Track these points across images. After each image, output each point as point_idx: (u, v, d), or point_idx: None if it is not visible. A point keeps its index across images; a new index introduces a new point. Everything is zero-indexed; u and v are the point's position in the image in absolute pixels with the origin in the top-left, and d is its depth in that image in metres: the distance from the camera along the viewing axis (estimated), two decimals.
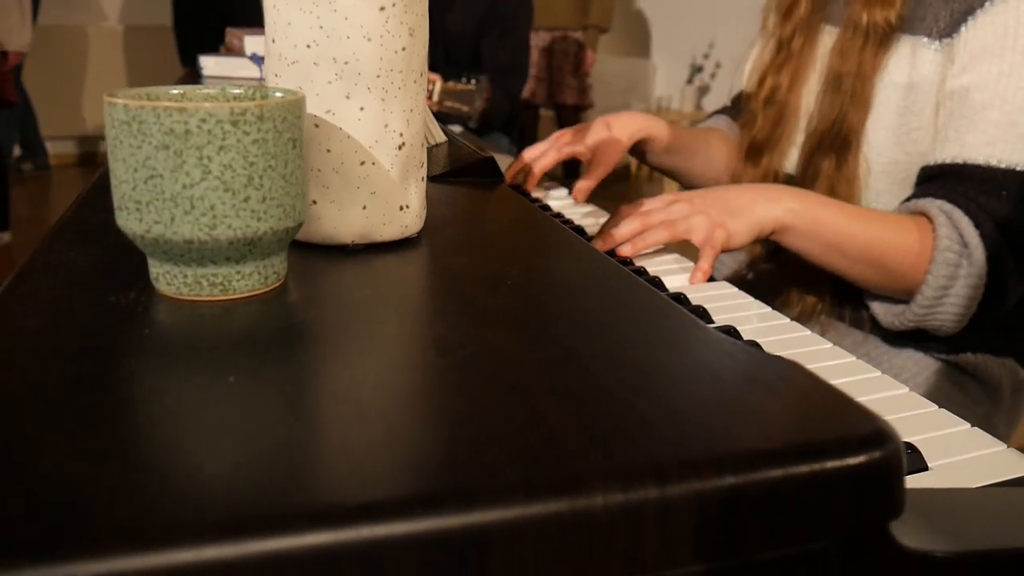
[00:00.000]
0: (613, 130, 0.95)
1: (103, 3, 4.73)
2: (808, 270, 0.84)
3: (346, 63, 0.40)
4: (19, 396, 0.27)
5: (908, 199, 0.83)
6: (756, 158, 0.97)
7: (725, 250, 0.73)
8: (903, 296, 0.81)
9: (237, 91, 0.38)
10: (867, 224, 0.78)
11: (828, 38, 0.93)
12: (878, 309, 0.83)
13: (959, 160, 0.79)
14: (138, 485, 0.22)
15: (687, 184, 1.06)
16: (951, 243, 0.76)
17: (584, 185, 0.88)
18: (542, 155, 0.95)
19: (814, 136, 0.90)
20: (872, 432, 0.26)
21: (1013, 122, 0.78)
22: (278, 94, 0.37)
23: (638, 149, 1.00)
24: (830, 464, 0.25)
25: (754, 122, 0.97)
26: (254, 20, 3.86)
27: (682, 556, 0.23)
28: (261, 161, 0.33)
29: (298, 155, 0.35)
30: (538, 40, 3.80)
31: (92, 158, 4.91)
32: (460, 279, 0.39)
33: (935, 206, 0.77)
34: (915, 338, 0.85)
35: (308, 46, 0.40)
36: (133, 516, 0.20)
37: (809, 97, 0.94)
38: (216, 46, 4.37)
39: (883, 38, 0.84)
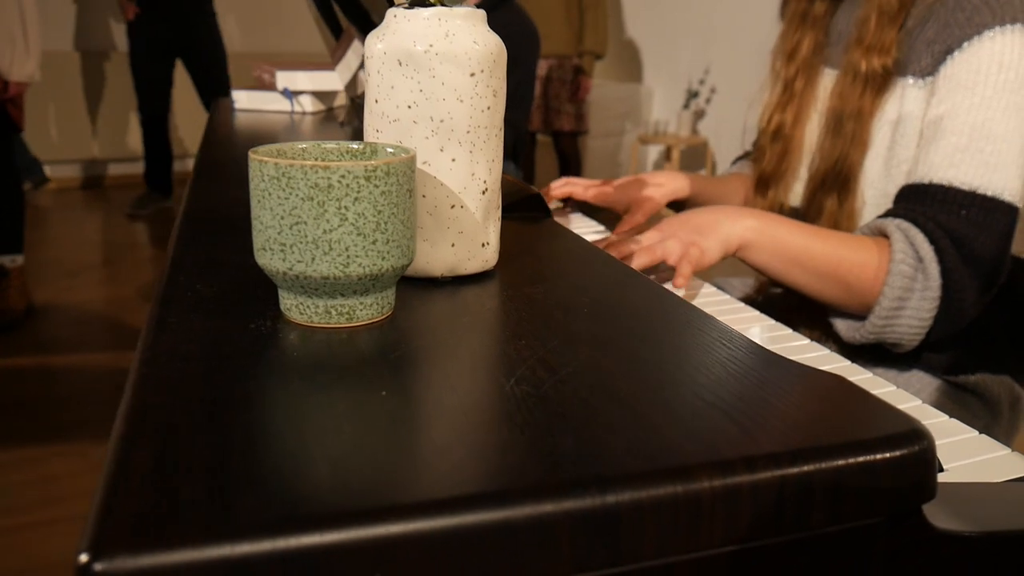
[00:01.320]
0: (650, 189, 1.04)
1: (105, 31, 4.81)
2: (806, 300, 0.90)
3: (441, 121, 0.46)
4: (195, 409, 0.33)
5: (882, 216, 0.89)
6: (764, 190, 1.04)
7: (699, 266, 0.80)
8: (863, 311, 0.87)
9: (355, 146, 0.45)
10: (826, 241, 0.85)
11: (828, 79, 1.00)
12: (840, 325, 0.90)
13: (924, 180, 0.86)
14: (289, 481, 0.28)
15: None
16: (905, 257, 0.82)
17: (623, 234, 0.99)
18: (585, 188, 1.05)
19: (818, 175, 0.97)
20: (910, 431, 0.32)
21: (979, 148, 0.84)
22: (390, 150, 0.44)
23: (673, 204, 1.09)
24: (878, 456, 0.31)
25: (763, 157, 1.05)
26: (207, 55, 3.88)
27: (766, 529, 0.29)
28: (387, 209, 0.40)
29: (412, 203, 0.42)
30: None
31: (98, 181, 4.97)
32: (541, 306, 0.46)
33: (893, 224, 0.84)
34: (918, 359, 0.91)
35: (409, 107, 0.46)
36: (281, 505, 0.27)
37: (811, 133, 1.01)
38: (170, 76, 4.41)
39: (880, 83, 0.91)
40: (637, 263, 0.78)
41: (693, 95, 4.67)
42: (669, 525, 0.28)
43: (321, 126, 1.29)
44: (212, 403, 0.33)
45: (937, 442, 0.50)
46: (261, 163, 0.39)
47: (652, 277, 0.76)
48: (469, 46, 0.46)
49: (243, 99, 1.41)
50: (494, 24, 0.62)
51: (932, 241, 0.82)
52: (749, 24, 4.38)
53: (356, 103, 1.25)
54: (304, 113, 1.38)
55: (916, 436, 0.32)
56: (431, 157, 0.47)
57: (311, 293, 0.41)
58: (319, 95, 1.40)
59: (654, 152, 5.03)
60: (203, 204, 0.69)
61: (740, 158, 1.21)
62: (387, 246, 0.40)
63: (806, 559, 0.30)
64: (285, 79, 1.36)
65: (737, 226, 0.83)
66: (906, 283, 0.82)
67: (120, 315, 2.95)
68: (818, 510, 0.30)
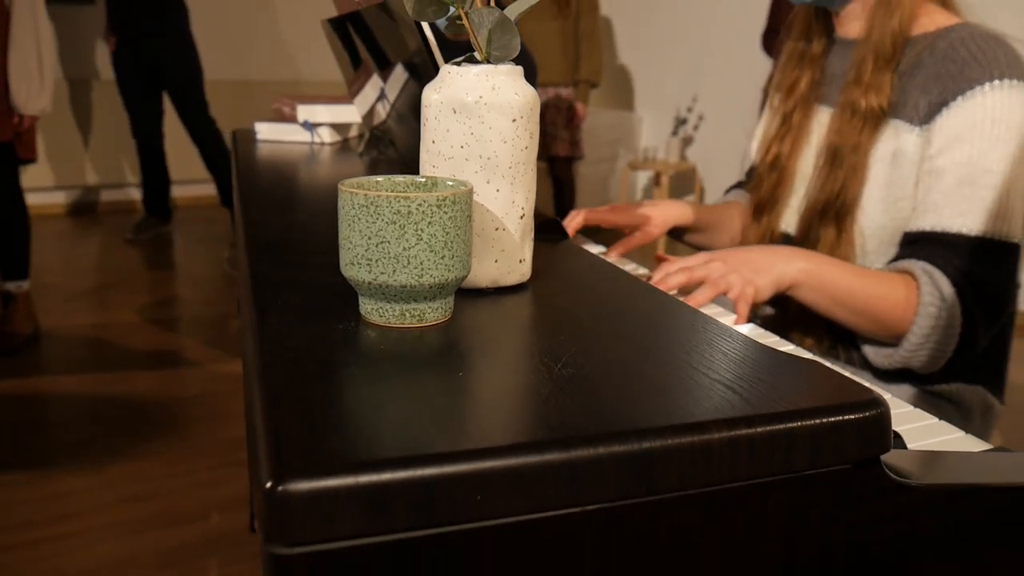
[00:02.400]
0: (654, 217, 1.15)
1: (91, 59, 4.92)
2: (806, 315, 1.01)
3: (488, 159, 0.56)
4: (315, 385, 0.42)
5: (894, 259, 1.00)
6: (759, 217, 1.15)
7: (755, 303, 0.90)
8: (891, 340, 0.98)
9: (420, 180, 0.54)
10: (864, 281, 0.95)
11: (823, 116, 1.11)
12: (870, 351, 1.00)
13: (937, 228, 0.96)
14: (407, 432, 0.37)
15: None
16: (933, 299, 0.93)
17: (620, 249, 1.08)
18: (601, 216, 1.16)
19: (816, 205, 1.07)
20: (870, 400, 0.42)
21: (981, 197, 0.95)
22: (450, 183, 0.53)
23: (673, 231, 1.20)
24: (845, 418, 0.40)
25: (760, 185, 1.16)
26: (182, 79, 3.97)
27: (761, 470, 0.39)
28: (452, 231, 0.49)
29: (470, 226, 0.51)
30: None
31: (92, 207, 5.04)
32: (570, 311, 0.55)
33: (919, 267, 0.94)
34: (899, 371, 1.01)
35: (461, 147, 0.56)
36: (404, 448, 0.36)
37: (806, 165, 1.12)
38: (158, 103, 4.50)
39: (876, 121, 1.02)
40: (703, 295, 0.87)
41: (682, 122, 4.80)
42: (688, 466, 0.38)
43: (339, 156, 1.38)
44: (327, 381, 0.42)
45: (928, 440, 0.60)
46: (352, 194, 0.49)
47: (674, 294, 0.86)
48: (511, 97, 0.56)
49: (264, 130, 1.50)
50: None
51: (954, 284, 0.94)
52: (736, 54, 4.52)
53: (375, 134, 1.35)
54: (323, 144, 1.48)
55: (874, 403, 0.41)
56: (479, 188, 0.56)
57: (390, 299, 0.50)
58: (336, 127, 1.50)
59: (644, 178, 5.15)
60: (260, 230, 0.78)
61: (734, 187, 1.31)
62: (452, 260, 0.50)
63: (791, 495, 0.40)
64: (305, 112, 1.46)
65: (791, 267, 0.92)
66: (933, 321, 0.93)
67: (121, 338, 3.03)
68: (800, 457, 0.40)
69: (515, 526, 0.35)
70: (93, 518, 1.92)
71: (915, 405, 1.03)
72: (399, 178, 0.54)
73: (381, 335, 0.50)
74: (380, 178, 0.54)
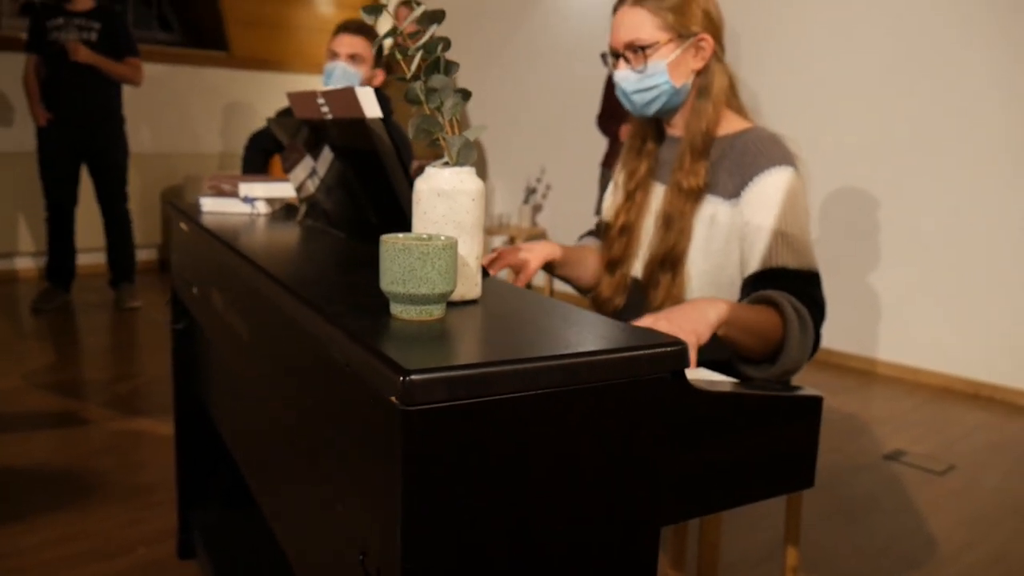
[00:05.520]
0: (532, 254, 1.56)
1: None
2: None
3: (459, 223, 0.94)
4: (393, 343, 0.79)
5: (755, 292, 1.38)
6: (613, 270, 1.59)
7: (701, 343, 1.18)
8: (770, 355, 1.33)
9: (424, 236, 0.92)
10: (754, 313, 1.31)
11: (659, 190, 1.57)
12: (750, 370, 1.36)
13: (775, 266, 1.38)
14: (476, 351, 0.75)
15: (574, 285, 1.69)
16: (796, 322, 1.31)
17: (519, 283, 1.48)
18: (497, 259, 1.54)
19: (656, 258, 1.50)
20: (677, 340, 0.82)
21: (789, 243, 1.38)
22: (443, 237, 0.91)
23: (547, 265, 1.62)
24: (660, 350, 0.81)
25: (612, 246, 1.60)
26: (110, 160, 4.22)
27: (606, 376, 0.78)
28: (449, 264, 0.87)
29: (456, 261, 0.89)
30: None
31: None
32: (509, 310, 0.94)
33: (783, 297, 1.34)
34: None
35: (442, 215, 0.94)
36: (485, 357, 0.74)
37: (647, 228, 1.56)
38: (78, 172, 4.67)
39: (696, 196, 1.47)
40: None
41: (531, 192, 5.31)
42: (568, 374, 0.76)
43: (273, 222, 1.72)
44: (399, 340, 0.79)
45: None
46: (394, 242, 0.86)
47: None
48: (471, 186, 0.95)
49: (209, 204, 1.82)
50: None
51: (805, 305, 1.34)
52: (576, 132, 5.08)
53: (311, 205, 1.69)
54: (260, 214, 1.80)
55: (677, 342, 0.82)
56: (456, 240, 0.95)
57: (414, 303, 0.87)
58: (269, 200, 1.84)
59: (498, 242, 5.62)
60: (289, 270, 1.12)
61: (587, 234, 1.77)
62: (449, 281, 0.87)
63: (629, 392, 0.80)
64: (246, 188, 1.79)
65: (714, 313, 1.22)
66: (799, 337, 1.31)
67: (15, 403, 3.13)
68: (635, 369, 0.79)
69: (503, 400, 0.73)
70: (22, 559, 2.07)
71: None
72: (411, 235, 0.92)
73: (407, 325, 0.86)
74: (402, 234, 0.91)
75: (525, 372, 0.73)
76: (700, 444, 0.88)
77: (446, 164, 0.96)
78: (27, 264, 5.28)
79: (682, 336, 1.16)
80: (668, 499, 0.86)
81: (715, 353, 1.31)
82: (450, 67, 0.96)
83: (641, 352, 0.80)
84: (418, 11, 0.94)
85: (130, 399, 3.25)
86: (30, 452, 2.71)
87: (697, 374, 1.17)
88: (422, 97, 0.95)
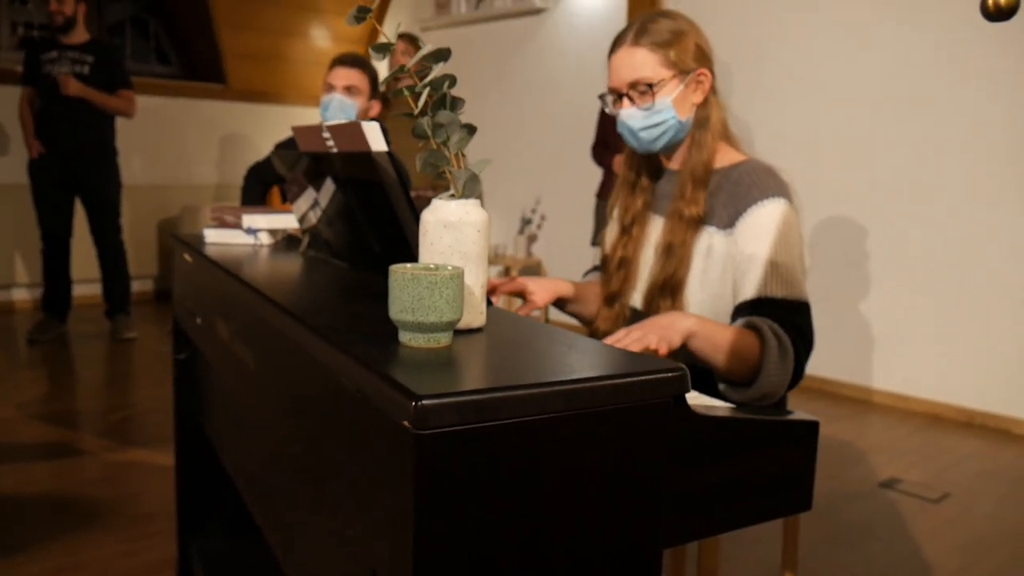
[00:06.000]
0: (540, 288, 1.60)
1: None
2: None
3: (465, 253, 0.97)
4: (405, 368, 0.81)
5: (740, 319, 1.43)
6: (612, 303, 1.62)
7: (671, 348, 1.26)
8: (750, 377, 1.38)
9: (432, 266, 0.95)
10: (732, 332, 1.37)
11: (657, 222, 1.60)
12: (728, 391, 1.42)
13: (763, 295, 1.43)
14: (483, 376, 0.78)
15: (581, 320, 1.73)
16: (775, 347, 1.36)
17: (521, 312, 1.51)
18: (504, 284, 1.58)
19: (656, 284, 1.54)
20: (677, 366, 0.85)
21: (779, 274, 1.43)
22: (450, 267, 0.94)
23: (557, 302, 1.65)
24: (662, 375, 0.84)
25: (611, 280, 1.64)
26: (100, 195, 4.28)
27: (613, 401, 0.81)
28: (456, 293, 0.90)
29: (463, 290, 0.92)
30: None
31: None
32: (511, 337, 0.96)
33: (764, 323, 1.39)
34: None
35: (448, 246, 0.97)
36: (488, 383, 0.76)
37: (646, 260, 1.60)
38: (72, 205, 4.72)
39: (696, 225, 1.51)
40: (639, 345, 1.23)
41: (527, 222, 5.36)
42: (573, 399, 0.79)
43: (276, 253, 1.75)
44: (407, 366, 0.81)
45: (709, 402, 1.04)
46: (403, 272, 0.89)
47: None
48: (476, 218, 0.98)
49: (212, 235, 1.85)
50: None
51: (786, 332, 1.38)
52: (571, 163, 5.14)
53: (311, 234, 1.72)
54: (263, 245, 1.83)
55: (678, 368, 0.85)
56: (465, 271, 0.98)
57: (422, 331, 0.90)
58: (271, 231, 1.87)
59: (493, 272, 5.66)
60: (297, 300, 1.14)
61: (592, 270, 1.80)
62: (456, 309, 0.90)
63: (632, 416, 0.82)
64: (249, 220, 1.82)
65: (686, 323, 1.31)
66: (777, 366, 1.36)
67: (8, 434, 3.13)
68: (638, 394, 0.82)
69: (511, 425, 0.75)
70: None
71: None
72: (419, 265, 0.95)
73: (415, 352, 0.89)
74: (411, 264, 0.94)
75: (532, 397, 0.76)
76: (700, 467, 0.91)
77: (452, 196, 0.99)
78: (23, 295, 5.30)
79: (653, 341, 1.24)
80: (669, 521, 0.88)
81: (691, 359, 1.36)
82: (456, 103, 0.99)
83: (643, 377, 0.82)
84: (425, 49, 0.98)
85: (126, 429, 3.25)
86: (27, 483, 2.71)
87: (691, 398, 1.21)
88: (429, 132, 0.98)
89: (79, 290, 4.97)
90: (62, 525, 2.42)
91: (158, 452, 2.95)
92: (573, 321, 1.76)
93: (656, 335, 1.25)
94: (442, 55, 0.98)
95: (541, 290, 1.60)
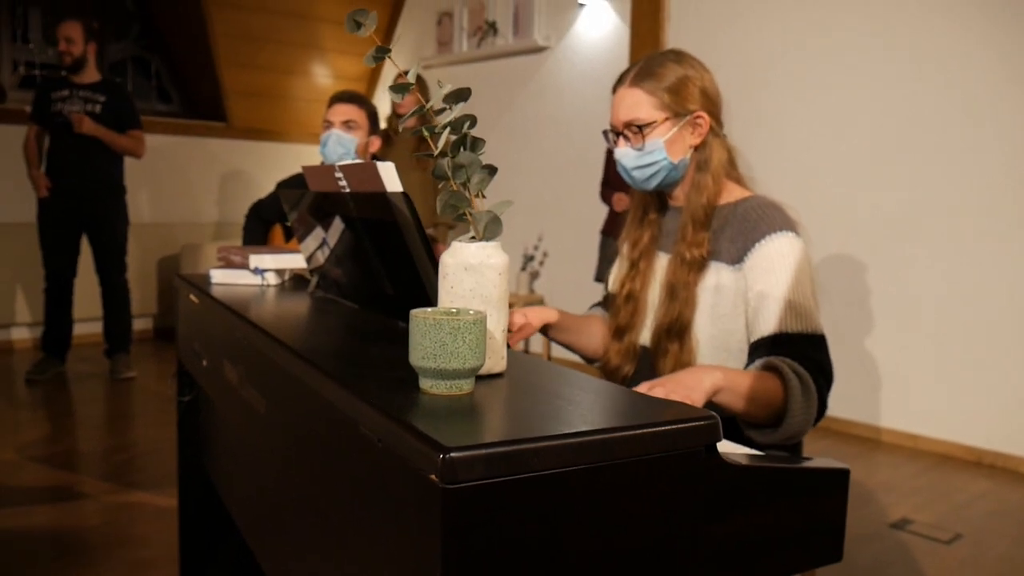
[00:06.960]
0: (529, 317, 1.58)
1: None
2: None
3: (486, 297, 0.95)
4: (428, 419, 0.79)
5: (758, 359, 1.40)
6: (620, 337, 1.59)
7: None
8: (773, 420, 1.34)
9: (453, 310, 0.92)
10: (755, 380, 1.32)
11: (663, 259, 1.58)
12: (754, 434, 1.38)
13: (779, 331, 1.40)
14: (508, 428, 0.75)
15: (578, 352, 1.69)
16: (798, 388, 1.32)
17: (512, 341, 1.49)
18: (516, 334, 1.56)
19: (662, 327, 1.51)
20: (708, 414, 0.83)
21: (793, 308, 1.40)
22: (472, 312, 0.92)
23: (544, 329, 1.62)
24: (693, 424, 0.81)
25: (618, 313, 1.61)
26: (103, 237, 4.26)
27: (637, 451, 0.78)
28: (480, 338, 0.87)
29: (485, 335, 0.90)
30: None
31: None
32: (535, 383, 0.94)
33: (784, 363, 1.35)
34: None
35: (470, 289, 0.95)
36: (514, 435, 0.74)
37: (653, 295, 1.58)
38: (78, 244, 4.71)
39: (700, 265, 1.49)
40: None
41: (529, 259, 5.35)
42: (607, 449, 0.76)
43: (284, 293, 1.73)
44: (431, 414, 0.79)
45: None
46: (425, 317, 0.86)
47: None
48: (497, 260, 0.96)
49: (218, 276, 1.82)
50: None
51: (808, 371, 1.35)
52: (575, 201, 5.14)
53: (320, 275, 1.70)
54: (270, 285, 1.81)
55: (710, 416, 0.82)
56: (485, 313, 0.95)
57: (444, 377, 0.87)
58: (278, 271, 1.85)
59: None
60: (310, 343, 1.12)
61: (595, 305, 1.77)
62: (479, 355, 0.88)
63: (664, 466, 0.79)
64: (256, 260, 1.80)
65: (712, 379, 1.25)
66: (801, 407, 1.32)
67: (8, 477, 3.08)
68: (671, 443, 0.79)
69: (541, 477, 0.73)
70: None
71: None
72: (440, 309, 0.93)
73: (436, 399, 0.86)
74: (431, 308, 0.92)
75: (563, 448, 0.73)
76: (733, 517, 0.88)
77: (472, 239, 0.98)
78: (23, 335, 5.26)
79: (678, 396, 1.18)
80: (701, 572, 0.85)
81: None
82: (476, 144, 0.98)
83: (675, 427, 0.80)
84: (445, 89, 0.97)
85: (126, 471, 3.20)
86: (28, 526, 2.66)
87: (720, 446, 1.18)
88: (449, 173, 0.97)
89: (78, 328, 4.93)
90: (64, 570, 2.37)
91: (159, 494, 2.91)
92: (576, 357, 1.73)
93: (679, 395, 1.19)
94: (463, 95, 0.97)
95: (532, 316, 1.60)
